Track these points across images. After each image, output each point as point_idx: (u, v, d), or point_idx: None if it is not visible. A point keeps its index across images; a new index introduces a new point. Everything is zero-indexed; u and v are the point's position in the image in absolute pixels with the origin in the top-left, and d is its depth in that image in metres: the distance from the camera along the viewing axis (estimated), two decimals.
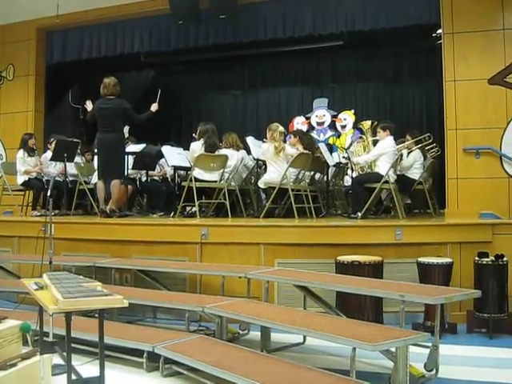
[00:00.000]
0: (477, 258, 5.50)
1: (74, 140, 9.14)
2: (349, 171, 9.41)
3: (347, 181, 9.73)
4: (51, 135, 9.40)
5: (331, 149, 10.58)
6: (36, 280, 3.56)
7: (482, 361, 4.64)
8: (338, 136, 12.97)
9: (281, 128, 7.87)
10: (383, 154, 7.40)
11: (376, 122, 8.19)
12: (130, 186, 8.42)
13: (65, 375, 3.19)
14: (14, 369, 3.41)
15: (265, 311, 4.61)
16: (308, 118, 13.24)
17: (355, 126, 12.22)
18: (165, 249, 6.36)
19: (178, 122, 14.44)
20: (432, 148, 8.58)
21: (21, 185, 8.72)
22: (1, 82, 10.41)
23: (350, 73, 13.13)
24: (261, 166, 8.51)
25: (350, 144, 9.32)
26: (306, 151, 8.02)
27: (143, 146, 8.72)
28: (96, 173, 7.97)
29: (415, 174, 7.95)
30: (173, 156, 8.20)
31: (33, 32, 10.14)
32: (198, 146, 7.85)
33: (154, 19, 9.47)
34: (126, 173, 8.03)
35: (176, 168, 8.46)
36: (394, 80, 12.84)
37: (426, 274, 5.38)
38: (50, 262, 4.76)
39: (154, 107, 7.73)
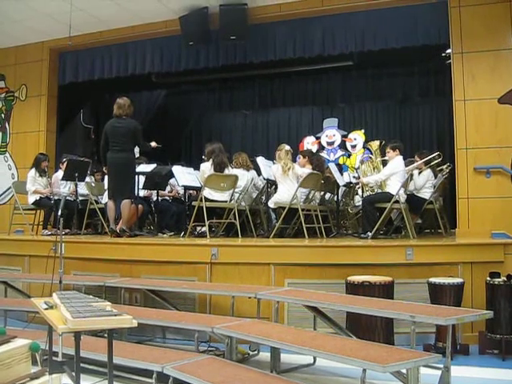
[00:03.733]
0: (488, 278, 5.46)
1: (85, 160, 9.20)
2: (359, 191, 9.39)
3: (358, 200, 9.69)
4: (63, 155, 9.46)
5: (341, 169, 10.59)
6: (46, 299, 3.57)
7: (494, 383, 4.58)
8: (348, 156, 12.95)
9: (287, 147, 7.91)
10: (394, 174, 7.39)
11: (384, 142, 8.18)
12: (140, 206, 8.44)
13: None
14: None
15: (275, 332, 4.58)
16: (318, 138, 13.23)
17: (365, 146, 12.21)
18: (175, 269, 6.36)
19: (188, 141, 14.54)
20: (446, 167, 8.57)
21: (32, 204, 8.77)
22: (13, 102, 10.52)
23: (359, 93, 13.11)
24: (271, 186, 8.51)
25: (361, 164, 9.32)
26: (315, 171, 8.02)
27: (154, 165, 8.76)
28: (106, 192, 8.00)
29: (426, 193, 7.93)
30: (183, 176, 8.23)
31: (45, 53, 10.26)
32: (207, 167, 7.88)
33: (164, 40, 9.57)
34: (136, 193, 8.06)
35: (186, 188, 8.47)
36: (403, 100, 12.82)
37: (437, 294, 5.34)
38: (60, 282, 4.76)
39: (154, 144, 7.93)
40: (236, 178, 7.86)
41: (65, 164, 8.78)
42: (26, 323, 6.17)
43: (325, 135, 13.19)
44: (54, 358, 3.67)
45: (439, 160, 8.18)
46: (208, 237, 7.51)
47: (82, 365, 3.28)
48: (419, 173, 8.08)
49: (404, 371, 3.63)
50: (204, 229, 7.84)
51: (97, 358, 4.31)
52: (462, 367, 4.84)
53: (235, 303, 5.62)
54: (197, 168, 8.46)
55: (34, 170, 8.80)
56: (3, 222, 9.43)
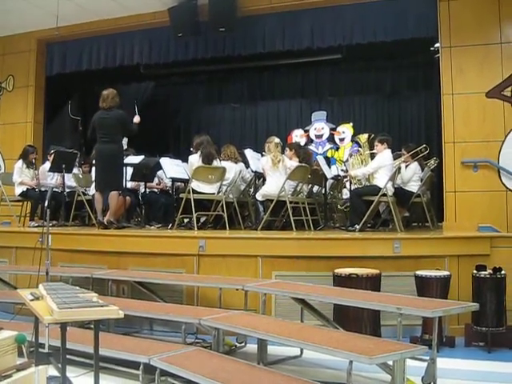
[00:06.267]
0: (475, 271, 5.48)
1: (73, 151, 9.14)
2: (347, 184, 9.41)
3: (346, 193, 9.72)
4: (51, 146, 9.39)
5: (329, 162, 10.59)
6: (32, 290, 3.54)
7: (480, 375, 4.61)
8: (337, 149, 12.98)
9: (276, 140, 7.91)
10: (381, 167, 7.41)
11: (373, 135, 8.20)
12: (128, 198, 8.40)
13: None
14: (8, 380, 3.37)
15: (262, 324, 4.59)
16: (306, 131, 13.26)
17: (353, 139, 12.23)
18: (162, 261, 6.35)
19: (176, 133, 14.49)
20: (433, 161, 8.60)
21: (19, 195, 8.71)
22: (0, 92, 10.43)
23: (348, 86, 13.15)
24: (259, 179, 8.50)
25: (349, 157, 9.34)
26: (303, 164, 8.03)
27: (141, 157, 8.72)
28: (94, 184, 7.96)
29: (413, 186, 7.97)
30: (171, 168, 8.19)
31: (33, 43, 10.17)
32: (195, 159, 7.86)
33: (153, 31, 9.51)
34: (124, 184, 8.02)
35: (174, 180, 8.44)
36: (392, 93, 12.88)
37: (424, 287, 5.37)
38: (47, 273, 4.74)
39: (137, 119, 7.75)
40: (224, 170, 7.85)
41: (52, 155, 8.73)
42: (12, 315, 6.13)
43: (313, 128, 13.22)
44: (41, 350, 3.67)
45: (426, 153, 8.21)
46: (196, 229, 7.50)
47: (68, 356, 3.27)
48: (406, 166, 8.11)
49: (390, 363, 3.65)
50: (192, 221, 7.82)
51: (83, 349, 4.28)
52: (447, 359, 4.87)
53: (223, 295, 5.62)
54: (185, 160, 8.44)
55: (21, 161, 8.74)
56: None
